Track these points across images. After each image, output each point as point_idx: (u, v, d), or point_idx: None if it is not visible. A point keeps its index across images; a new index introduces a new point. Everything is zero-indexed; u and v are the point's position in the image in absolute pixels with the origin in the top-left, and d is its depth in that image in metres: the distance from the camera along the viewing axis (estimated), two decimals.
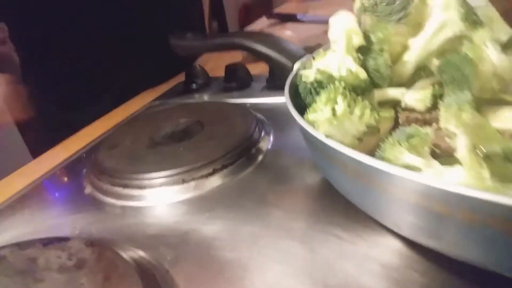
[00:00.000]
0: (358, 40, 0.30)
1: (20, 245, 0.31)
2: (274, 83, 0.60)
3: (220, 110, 0.51)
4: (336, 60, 0.29)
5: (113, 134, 0.50)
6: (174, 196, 0.38)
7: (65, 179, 0.45)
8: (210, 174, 0.39)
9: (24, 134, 0.88)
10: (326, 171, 0.31)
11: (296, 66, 0.41)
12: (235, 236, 0.32)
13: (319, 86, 0.29)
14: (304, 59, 0.42)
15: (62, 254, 0.29)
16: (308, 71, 0.32)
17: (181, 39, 0.60)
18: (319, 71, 0.30)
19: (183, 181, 0.38)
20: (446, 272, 0.25)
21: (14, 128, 0.82)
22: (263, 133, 0.45)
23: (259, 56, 0.50)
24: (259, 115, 0.50)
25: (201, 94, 0.64)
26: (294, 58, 0.44)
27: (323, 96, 0.26)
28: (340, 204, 0.32)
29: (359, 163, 0.22)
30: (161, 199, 0.38)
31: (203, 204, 0.36)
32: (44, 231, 0.36)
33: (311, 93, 0.30)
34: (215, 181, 0.39)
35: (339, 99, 0.25)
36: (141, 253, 0.31)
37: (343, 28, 0.30)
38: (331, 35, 0.32)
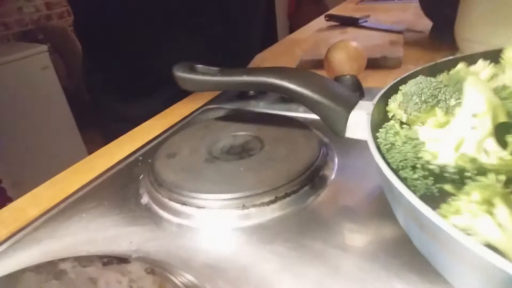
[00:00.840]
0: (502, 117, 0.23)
1: (81, 261, 0.30)
2: None
3: (280, 126, 0.49)
4: (474, 139, 0.23)
5: (170, 140, 0.49)
6: (232, 221, 0.36)
7: (122, 183, 0.44)
8: (272, 202, 0.37)
9: (81, 127, 0.89)
10: (411, 233, 0.28)
11: (357, 115, 0.34)
12: (299, 279, 0.30)
13: (459, 175, 0.22)
14: (359, 106, 0.36)
15: (123, 279, 0.28)
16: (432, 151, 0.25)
17: (188, 72, 0.47)
18: (463, 156, 0.22)
19: (244, 207, 0.36)
20: None
21: (71, 120, 0.83)
22: (327, 159, 0.43)
23: (301, 101, 0.39)
24: (320, 135, 0.47)
25: (257, 102, 0.62)
26: (349, 105, 0.36)
27: (475, 194, 0.20)
28: (417, 258, 0.29)
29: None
30: (219, 223, 0.36)
31: (263, 235, 0.34)
32: (100, 241, 0.36)
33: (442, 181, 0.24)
34: (276, 210, 0.37)
35: (498, 200, 0.20)
36: (193, 280, 0.30)
37: (487, 99, 0.24)
38: (470, 104, 0.25)
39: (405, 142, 0.26)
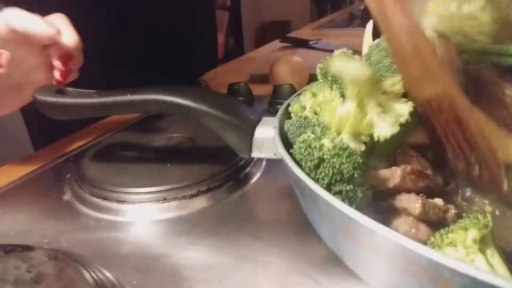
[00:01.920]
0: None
1: None
2: (276, 106, 0.59)
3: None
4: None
5: (104, 140, 0.48)
6: (153, 214, 0.36)
7: (48, 182, 0.44)
8: (194, 196, 0.37)
9: (28, 127, 0.84)
10: (310, 215, 0.29)
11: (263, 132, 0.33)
12: (209, 266, 0.30)
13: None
14: (264, 122, 0.35)
15: (22, 265, 0.27)
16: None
17: (53, 95, 0.36)
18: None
19: (165, 200, 0.37)
20: None
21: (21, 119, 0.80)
22: (255, 158, 0.44)
23: (200, 119, 0.34)
24: None
25: None
26: (252, 122, 0.34)
27: (472, 233, 0.22)
28: (322, 246, 0.30)
29: (345, 215, 0.20)
30: (139, 216, 0.36)
31: (182, 226, 0.34)
32: (13, 235, 0.34)
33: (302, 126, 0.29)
34: (198, 204, 0.37)
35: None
36: (106, 273, 0.29)
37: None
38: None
39: (336, 155, 0.24)
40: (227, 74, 0.94)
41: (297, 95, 0.36)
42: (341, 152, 0.24)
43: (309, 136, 0.26)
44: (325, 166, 0.24)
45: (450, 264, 0.16)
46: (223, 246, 0.32)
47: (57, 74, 0.41)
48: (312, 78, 0.75)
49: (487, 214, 0.22)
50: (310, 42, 1.09)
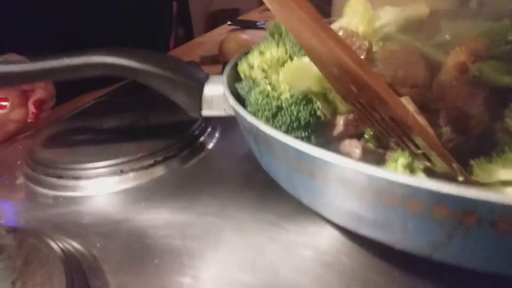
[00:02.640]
0: None
1: None
2: None
3: (167, 104, 0.50)
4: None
5: (55, 125, 0.48)
6: (111, 186, 0.37)
7: None
8: (151, 166, 0.38)
9: None
10: (265, 161, 0.31)
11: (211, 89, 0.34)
12: (169, 224, 0.31)
13: None
14: (211, 80, 0.36)
15: None
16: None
17: None
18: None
19: (122, 172, 0.37)
20: (375, 257, 0.25)
21: None
22: (209, 128, 0.45)
23: (146, 80, 0.34)
24: None
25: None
26: (200, 81, 0.35)
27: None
28: (279, 196, 0.32)
29: (299, 152, 0.22)
30: (97, 190, 0.37)
31: (141, 194, 0.35)
32: None
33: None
34: (156, 172, 0.38)
35: None
36: (69, 241, 0.30)
37: None
38: None
39: (294, 103, 0.26)
40: (180, 54, 0.94)
41: (244, 53, 0.37)
42: (298, 101, 0.26)
43: (265, 87, 0.28)
44: (283, 114, 0.26)
45: (391, 177, 0.18)
46: (182, 206, 0.33)
47: (31, 115, 0.48)
48: None
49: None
50: (258, 23, 1.11)
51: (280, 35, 0.34)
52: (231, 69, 0.35)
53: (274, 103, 0.26)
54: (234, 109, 0.29)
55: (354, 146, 0.27)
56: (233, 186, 0.36)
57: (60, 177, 0.37)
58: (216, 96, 0.34)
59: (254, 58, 0.34)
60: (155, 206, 0.34)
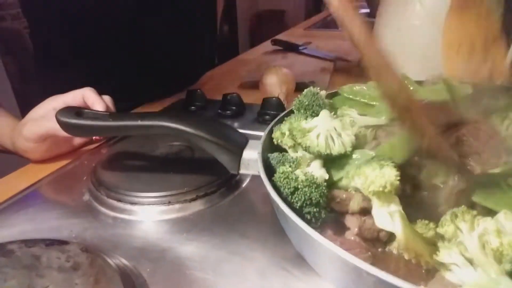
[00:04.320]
0: None
1: (27, 243, 0.37)
2: (265, 116, 0.67)
3: None
4: None
5: (114, 147, 0.56)
6: (160, 215, 0.44)
7: (66, 183, 0.51)
8: (193, 200, 0.45)
9: None
10: (282, 224, 0.37)
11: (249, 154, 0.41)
12: (205, 258, 0.38)
13: None
14: (250, 145, 0.42)
15: (62, 256, 0.35)
16: None
17: (73, 117, 0.44)
18: None
19: (169, 203, 0.45)
20: None
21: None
22: None
23: (198, 143, 0.41)
24: None
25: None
26: (241, 145, 0.42)
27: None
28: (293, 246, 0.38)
29: (303, 231, 0.28)
30: (148, 216, 0.44)
31: (183, 225, 0.43)
32: (45, 231, 0.42)
33: None
34: (196, 206, 0.45)
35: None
36: (125, 261, 0.38)
37: None
38: None
39: (307, 186, 0.32)
40: (221, 77, 1.01)
41: (278, 121, 0.44)
42: (311, 184, 0.33)
43: (287, 168, 0.34)
44: (299, 193, 0.32)
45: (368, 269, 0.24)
46: (216, 242, 0.40)
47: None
48: (299, 86, 0.83)
49: None
50: (300, 48, 1.17)
51: (305, 109, 0.41)
52: (267, 135, 0.42)
53: (292, 184, 0.33)
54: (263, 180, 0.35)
55: (353, 223, 0.33)
56: (259, 227, 0.42)
57: (119, 200, 0.45)
58: (252, 160, 0.40)
59: (285, 128, 0.41)
60: (193, 239, 0.41)
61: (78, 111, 0.46)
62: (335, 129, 0.37)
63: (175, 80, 0.86)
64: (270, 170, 0.36)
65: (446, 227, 0.27)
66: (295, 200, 0.32)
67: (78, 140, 0.59)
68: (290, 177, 0.33)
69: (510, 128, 0.35)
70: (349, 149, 0.36)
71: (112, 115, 0.45)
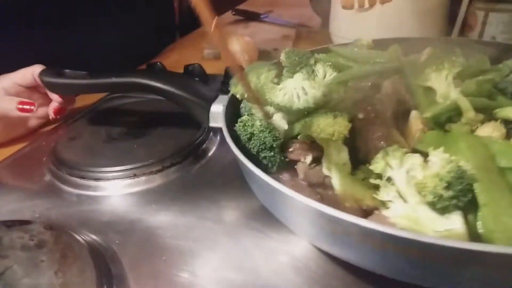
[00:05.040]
0: None
1: None
2: (228, 85, 0.66)
3: (172, 110, 0.57)
4: None
5: (73, 126, 0.54)
6: (126, 188, 0.43)
7: (26, 165, 0.49)
8: (159, 171, 0.45)
9: None
10: (247, 179, 0.37)
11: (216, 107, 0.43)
12: (175, 225, 0.38)
13: None
14: (218, 99, 0.44)
15: (25, 236, 0.34)
16: None
17: (56, 76, 0.49)
18: None
19: (135, 176, 0.44)
20: (334, 265, 0.32)
21: None
22: (211, 134, 0.52)
23: (168, 98, 0.44)
24: None
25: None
26: (209, 100, 0.44)
27: None
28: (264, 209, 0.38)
29: (267, 183, 0.28)
30: (114, 190, 0.43)
31: (151, 197, 0.42)
32: (6, 213, 0.41)
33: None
34: (163, 177, 0.45)
35: None
36: (93, 236, 0.37)
37: None
38: None
39: (261, 131, 0.34)
40: (182, 50, 0.98)
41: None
42: (265, 129, 0.34)
43: (245, 117, 0.35)
44: (254, 139, 0.34)
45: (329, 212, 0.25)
46: (185, 209, 0.40)
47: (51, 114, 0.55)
48: (262, 54, 0.82)
49: None
50: (261, 16, 1.15)
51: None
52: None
53: (249, 130, 0.34)
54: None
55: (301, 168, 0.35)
56: (229, 192, 0.42)
57: (83, 178, 0.44)
58: (219, 113, 0.41)
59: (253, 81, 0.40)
60: (163, 209, 0.40)
61: (58, 71, 0.49)
62: (303, 88, 0.37)
63: (133, 54, 0.83)
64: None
65: (377, 164, 0.28)
66: (252, 146, 0.34)
67: (33, 122, 0.56)
68: (247, 124, 0.34)
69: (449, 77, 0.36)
70: (311, 105, 0.36)
71: (91, 74, 0.48)
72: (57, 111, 0.53)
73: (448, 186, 0.24)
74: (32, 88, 0.54)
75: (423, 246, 0.21)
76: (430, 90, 0.36)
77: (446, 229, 0.24)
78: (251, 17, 1.19)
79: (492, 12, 0.59)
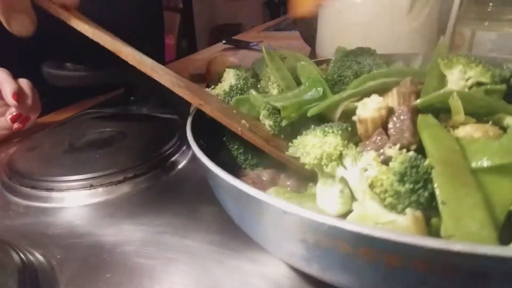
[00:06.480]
0: None
1: None
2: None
3: (147, 123, 0.53)
4: None
5: (35, 137, 0.50)
6: (80, 200, 0.39)
7: None
8: (120, 182, 0.40)
9: None
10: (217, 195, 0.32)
11: None
12: (127, 241, 0.33)
13: None
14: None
15: None
16: None
17: (57, 69, 0.53)
18: None
19: (91, 186, 0.39)
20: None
21: None
22: (184, 147, 0.48)
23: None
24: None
25: (139, 107, 0.66)
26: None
27: None
28: (233, 225, 0.34)
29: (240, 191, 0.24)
30: (67, 202, 0.39)
31: (107, 209, 0.38)
32: None
33: None
34: (124, 189, 0.40)
35: None
36: (33, 251, 0.32)
37: None
38: None
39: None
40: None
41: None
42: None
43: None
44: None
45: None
46: (144, 223, 0.35)
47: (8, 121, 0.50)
48: None
49: None
50: (251, 44, 1.15)
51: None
52: None
53: None
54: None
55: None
56: (197, 209, 0.38)
57: (33, 187, 0.39)
58: None
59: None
60: (118, 223, 0.36)
61: (60, 64, 0.52)
62: None
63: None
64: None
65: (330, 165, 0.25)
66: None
67: None
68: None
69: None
70: None
71: (89, 67, 0.52)
72: (15, 118, 0.49)
73: (403, 177, 0.21)
74: None
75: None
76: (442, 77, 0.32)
77: (389, 220, 0.20)
78: (241, 45, 1.19)
79: (479, 30, 0.58)
